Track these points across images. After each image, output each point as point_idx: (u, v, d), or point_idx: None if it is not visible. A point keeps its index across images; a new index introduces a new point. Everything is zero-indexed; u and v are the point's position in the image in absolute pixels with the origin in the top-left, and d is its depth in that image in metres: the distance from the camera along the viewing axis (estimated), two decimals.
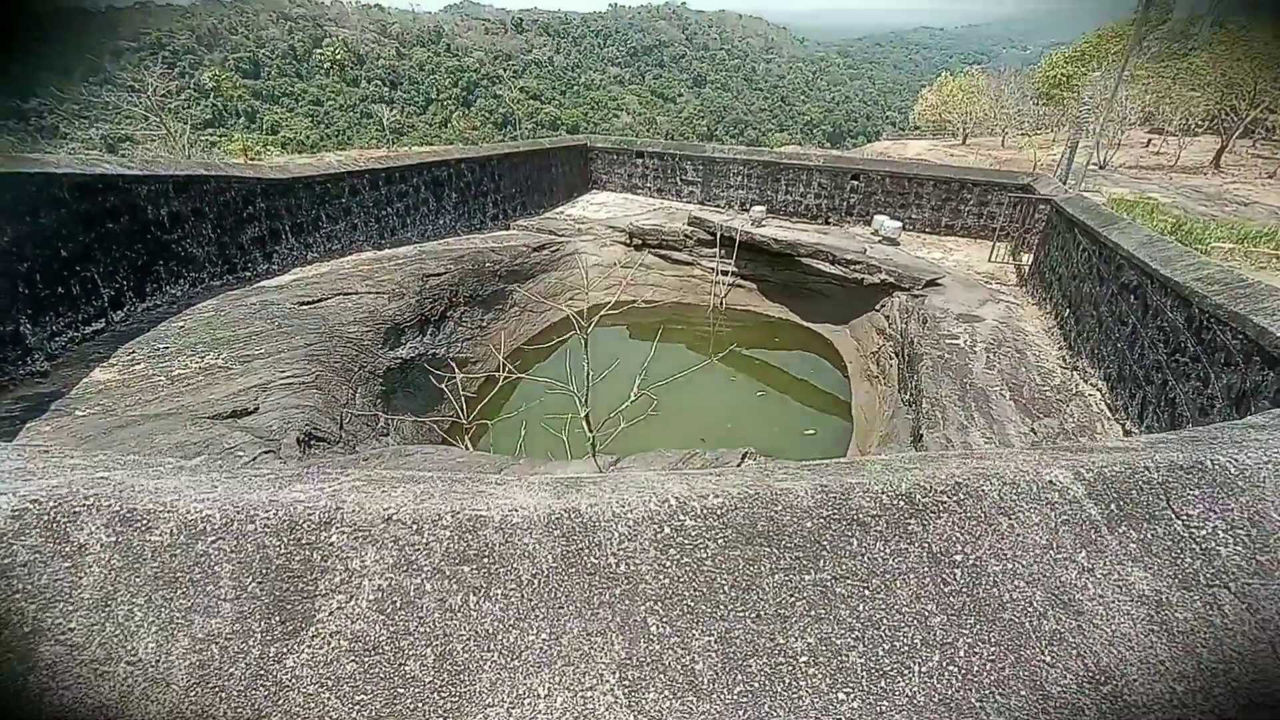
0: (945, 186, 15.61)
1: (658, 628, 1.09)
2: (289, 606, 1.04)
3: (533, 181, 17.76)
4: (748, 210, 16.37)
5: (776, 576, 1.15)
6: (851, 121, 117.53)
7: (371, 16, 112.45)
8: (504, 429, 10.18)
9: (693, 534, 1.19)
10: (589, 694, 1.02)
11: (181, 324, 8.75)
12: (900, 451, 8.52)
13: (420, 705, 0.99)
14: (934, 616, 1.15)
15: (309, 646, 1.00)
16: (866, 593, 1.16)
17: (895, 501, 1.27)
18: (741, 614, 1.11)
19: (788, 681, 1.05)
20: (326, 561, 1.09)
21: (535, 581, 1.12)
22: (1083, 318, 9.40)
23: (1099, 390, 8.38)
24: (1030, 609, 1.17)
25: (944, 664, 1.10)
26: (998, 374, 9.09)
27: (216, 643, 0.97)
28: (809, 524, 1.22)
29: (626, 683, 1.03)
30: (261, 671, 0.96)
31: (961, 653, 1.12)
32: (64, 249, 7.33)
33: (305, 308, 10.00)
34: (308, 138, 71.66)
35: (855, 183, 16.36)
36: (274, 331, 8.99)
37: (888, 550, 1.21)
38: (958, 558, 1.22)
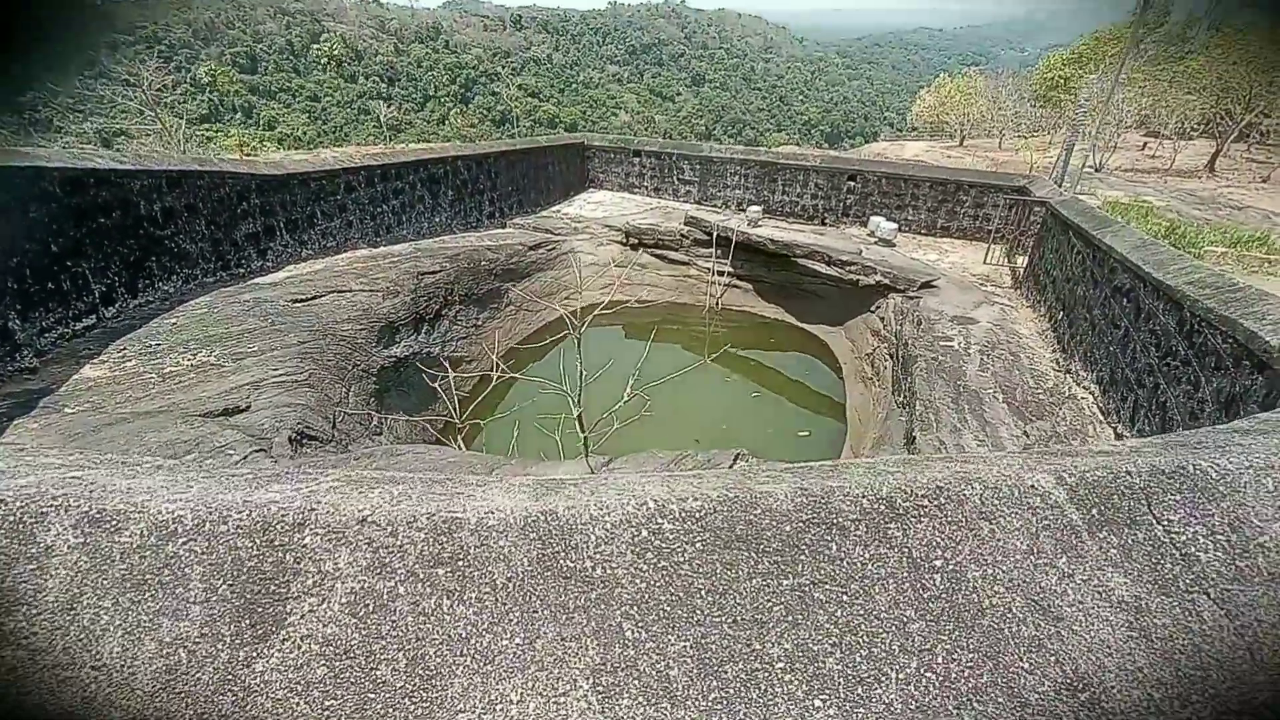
0: (941, 188, 15.64)
1: (633, 632, 1.08)
2: (260, 609, 1.02)
3: (529, 180, 17.72)
4: (744, 210, 16.38)
5: (754, 581, 1.14)
6: (849, 122, 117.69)
7: (370, 12, 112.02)
8: (498, 429, 10.16)
9: (670, 538, 1.18)
10: (562, 700, 1.01)
11: (174, 321, 8.69)
12: (893, 453, 8.54)
13: (391, 710, 0.98)
14: (913, 622, 1.14)
15: (279, 650, 0.99)
16: (845, 598, 1.15)
17: (876, 506, 1.26)
18: (718, 619, 1.10)
19: (763, 688, 1.04)
20: (299, 564, 1.07)
21: (510, 585, 1.11)
22: (1076, 320, 9.44)
23: (1091, 393, 8.41)
24: (1009, 615, 1.16)
25: (922, 671, 1.09)
26: (991, 376, 9.11)
27: (184, 646, 0.95)
28: (788, 528, 1.21)
29: (600, 689, 1.02)
30: (229, 676, 0.95)
31: (939, 659, 1.11)
32: (54, 244, 7.26)
33: (299, 305, 9.95)
34: (305, 134, 71.37)
35: (852, 184, 16.38)
36: (267, 329, 8.95)
37: (867, 555, 1.21)
38: (938, 563, 1.21)
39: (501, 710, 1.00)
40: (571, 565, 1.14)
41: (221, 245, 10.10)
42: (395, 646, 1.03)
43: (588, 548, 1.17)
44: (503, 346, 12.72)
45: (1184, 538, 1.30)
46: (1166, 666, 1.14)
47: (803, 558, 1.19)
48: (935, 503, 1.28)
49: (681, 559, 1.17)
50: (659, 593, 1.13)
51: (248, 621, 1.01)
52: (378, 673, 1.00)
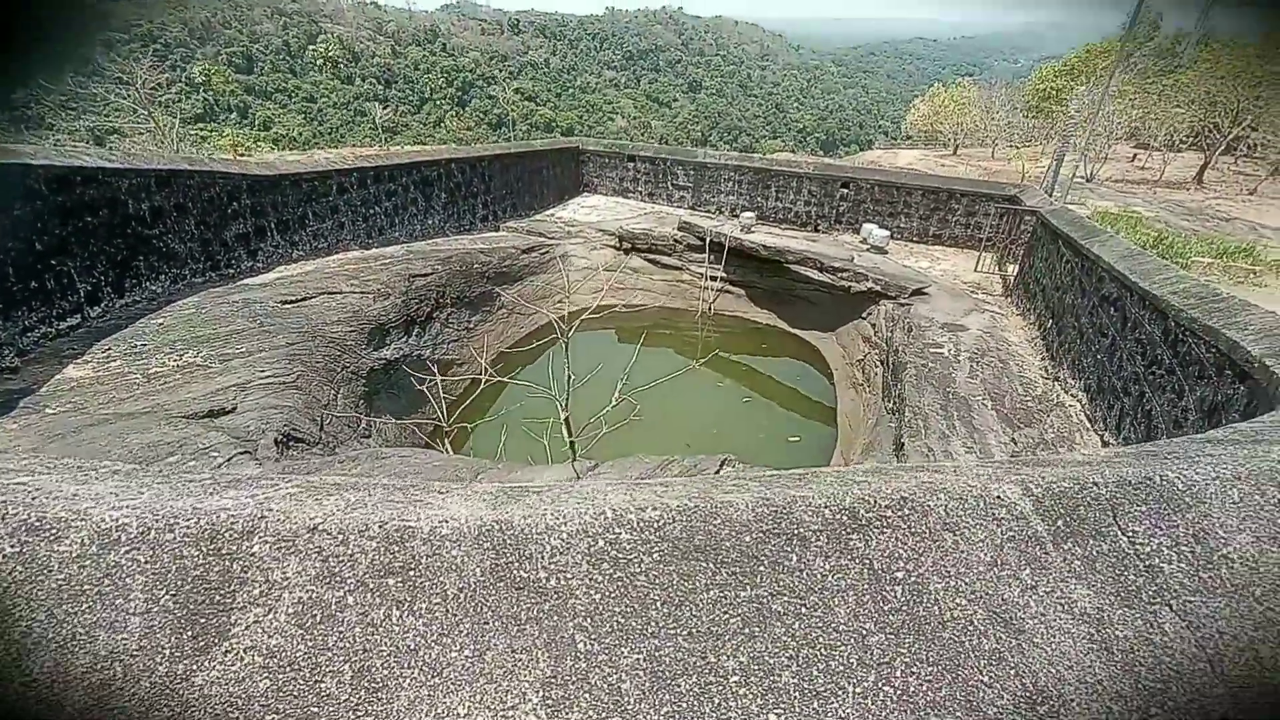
0: (934, 196, 15.74)
1: (585, 645, 1.06)
2: (203, 620, 1.00)
3: (524, 183, 17.72)
4: (737, 216, 16.43)
5: (711, 592, 1.13)
6: (845, 130, 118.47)
7: (367, 14, 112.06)
8: (487, 432, 10.12)
9: (627, 548, 1.17)
10: (510, 713, 0.99)
11: (161, 321, 8.63)
12: (882, 460, 8.56)
13: None
14: (872, 635, 1.13)
15: (220, 663, 0.97)
16: (803, 610, 1.14)
17: (838, 516, 1.25)
18: (673, 631, 1.09)
19: (717, 702, 1.03)
20: (246, 573, 1.05)
21: (461, 595, 1.09)
22: (1065, 329, 9.50)
23: (1079, 401, 8.46)
24: (970, 628, 1.15)
25: (879, 684, 1.08)
26: (980, 384, 9.16)
27: (120, 660, 0.93)
28: (748, 538, 1.20)
29: (550, 702, 1.00)
30: (167, 690, 0.93)
31: (898, 673, 1.10)
32: (39, 242, 7.20)
33: (289, 306, 9.90)
34: (300, 134, 71.20)
35: (845, 190, 16.47)
36: (255, 330, 8.90)
37: (828, 566, 1.20)
38: (899, 575, 1.20)
39: None
40: (525, 575, 1.13)
41: (211, 245, 10.04)
42: (342, 658, 1.01)
43: (542, 558, 1.15)
44: (494, 350, 12.69)
45: (1148, 549, 1.30)
46: (1127, 679, 1.13)
47: (762, 569, 1.18)
48: (899, 514, 1.28)
49: (638, 570, 1.15)
50: (613, 604, 1.11)
51: (189, 633, 0.98)
52: (323, 685, 0.98)
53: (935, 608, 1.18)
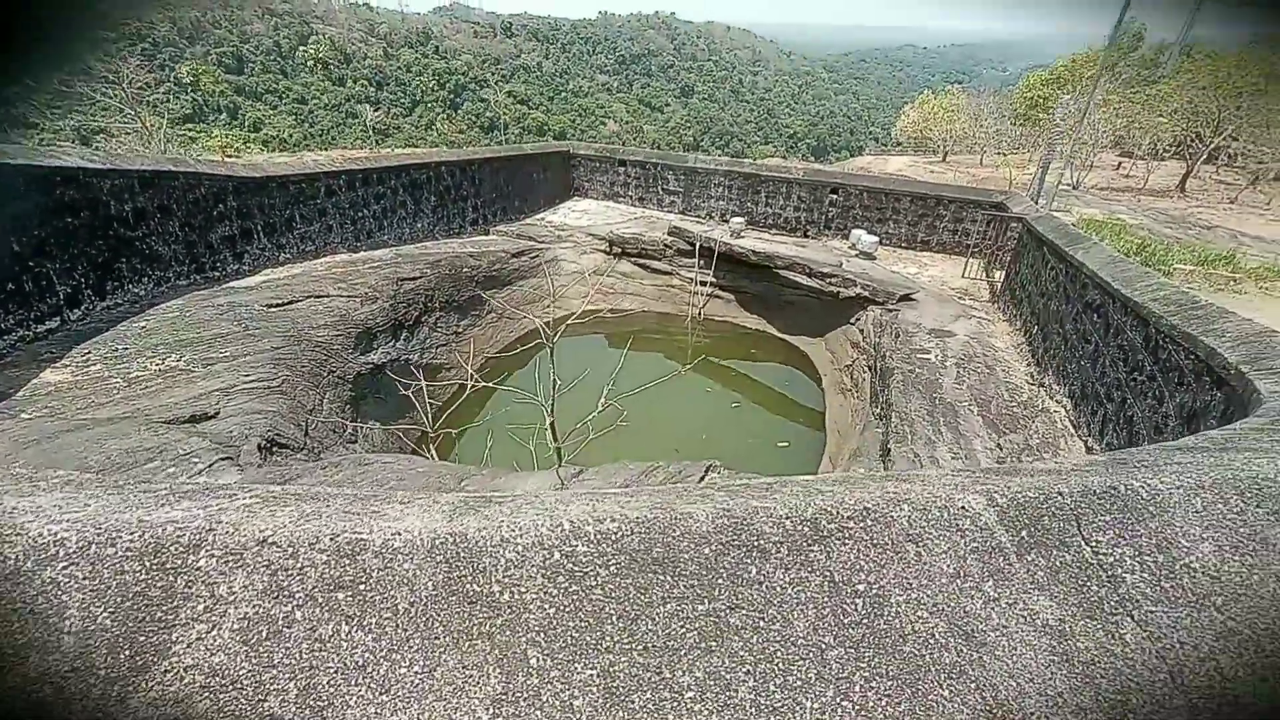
0: (922, 202, 15.88)
1: (538, 660, 1.04)
2: (142, 638, 0.97)
3: (514, 187, 17.69)
4: (727, 221, 16.49)
5: (668, 606, 1.12)
6: (836, 136, 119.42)
7: (359, 15, 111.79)
8: (474, 438, 10.06)
9: (584, 561, 1.15)
10: None
11: (143, 324, 8.51)
12: (870, 465, 8.58)
13: None
14: (831, 649, 1.12)
15: (159, 683, 0.94)
16: (761, 623, 1.13)
17: (799, 528, 1.24)
18: (628, 646, 1.07)
19: (670, 718, 1.01)
20: (191, 588, 1.03)
21: (412, 610, 1.07)
22: (1050, 335, 9.59)
23: (1064, 407, 8.53)
24: (932, 641, 1.15)
25: (838, 699, 1.07)
26: (967, 389, 9.21)
27: (50, 682, 0.90)
28: (707, 550, 1.18)
29: (500, 719, 0.98)
30: (100, 714, 0.90)
31: (857, 687, 1.09)
32: (16, 243, 7.08)
33: (275, 310, 9.81)
34: (291, 136, 70.75)
35: (834, 196, 16.57)
36: (240, 334, 8.80)
37: (787, 579, 1.18)
38: (860, 587, 1.19)
39: None
40: (478, 589, 1.11)
41: (196, 248, 9.93)
42: (287, 675, 0.98)
43: (496, 571, 1.13)
44: (482, 355, 12.64)
45: (1111, 559, 1.30)
46: (1087, 691, 1.13)
47: (720, 581, 1.16)
48: (861, 525, 1.27)
49: (594, 583, 1.14)
50: (568, 618, 1.09)
51: (127, 653, 0.96)
52: (265, 704, 0.95)
53: (896, 620, 1.17)
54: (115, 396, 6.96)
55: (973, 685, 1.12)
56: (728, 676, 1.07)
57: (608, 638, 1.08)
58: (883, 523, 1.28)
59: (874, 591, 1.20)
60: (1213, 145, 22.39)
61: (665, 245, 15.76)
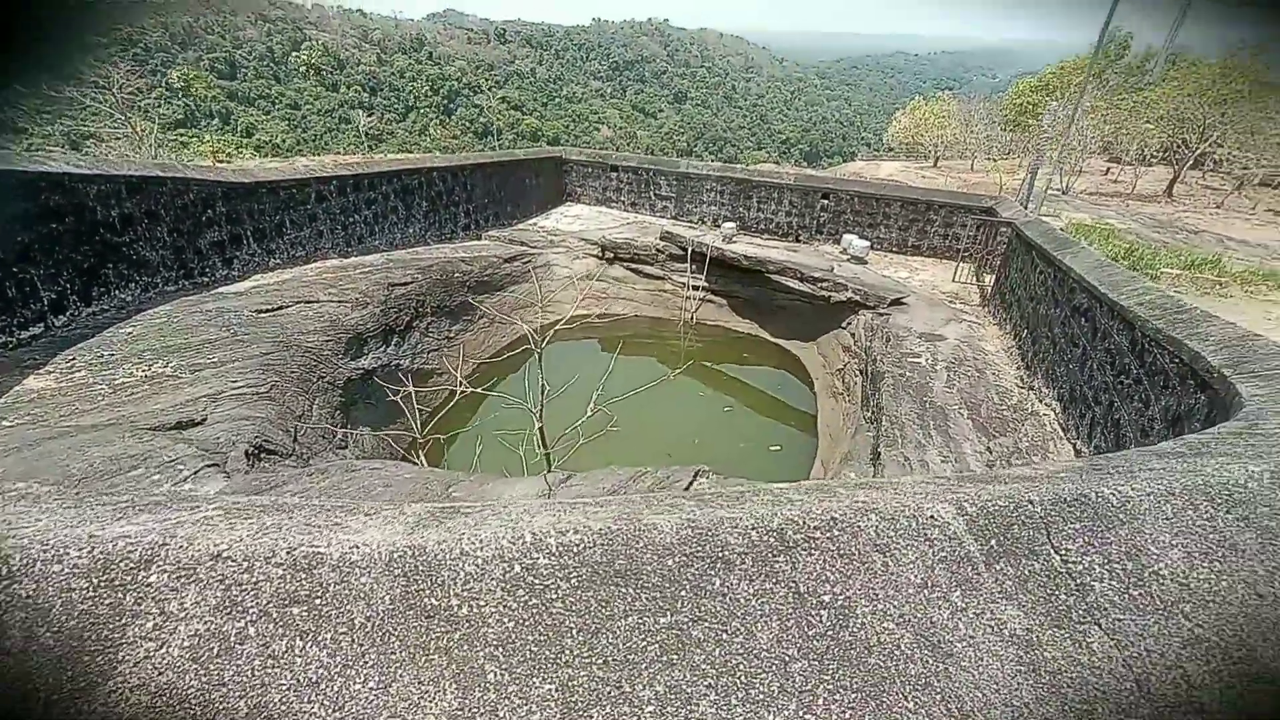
0: (912, 207, 15.97)
1: (496, 675, 1.03)
2: (86, 658, 0.95)
3: (506, 192, 17.69)
4: (719, 226, 16.53)
5: (630, 619, 1.10)
6: (828, 141, 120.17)
7: (353, 21, 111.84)
8: (465, 443, 10.00)
9: (544, 573, 1.14)
10: None
11: (130, 330, 8.44)
12: (860, 469, 8.59)
13: None
14: (795, 662, 1.11)
15: (103, 705, 0.92)
16: (724, 636, 1.11)
17: (765, 538, 1.23)
18: (588, 660, 1.06)
19: None
20: (141, 605, 1.00)
21: (369, 625, 1.06)
22: (1039, 338, 9.64)
23: (1053, 410, 8.57)
24: (897, 652, 1.14)
25: (800, 713, 1.06)
26: (957, 393, 9.24)
27: None
28: (670, 562, 1.17)
29: None
30: None
31: (820, 700, 1.08)
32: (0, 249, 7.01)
33: (264, 315, 9.74)
34: (284, 142, 70.55)
35: (825, 201, 16.65)
36: (228, 340, 8.74)
37: (751, 590, 1.17)
38: (825, 598, 1.18)
39: None
40: (435, 603, 1.09)
41: (184, 253, 9.86)
42: (237, 693, 0.96)
43: (455, 584, 1.12)
44: (474, 360, 12.59)
45: (1080, 567, 1.30)
46: (1053, 701, 1.12)
47: (683, 593, 1.15)
48: (828, 535, 1.26)
49: (554, 596, 1.12)
50: (527, 632, 1.08)
51: (70, 673, 0.93)
52: None
53: (861, 632, 1.16)
54: (100, 403, 6.89)
55: (938, 697, 1.11)
56: (689, 690, 1.06)
57: (567, 651, 1.07)
58: (849, 533, 1.28)
59: (839, 602, 1.19)
60: (1199, 151, 22.66)
61: (657, 250, 15.78)
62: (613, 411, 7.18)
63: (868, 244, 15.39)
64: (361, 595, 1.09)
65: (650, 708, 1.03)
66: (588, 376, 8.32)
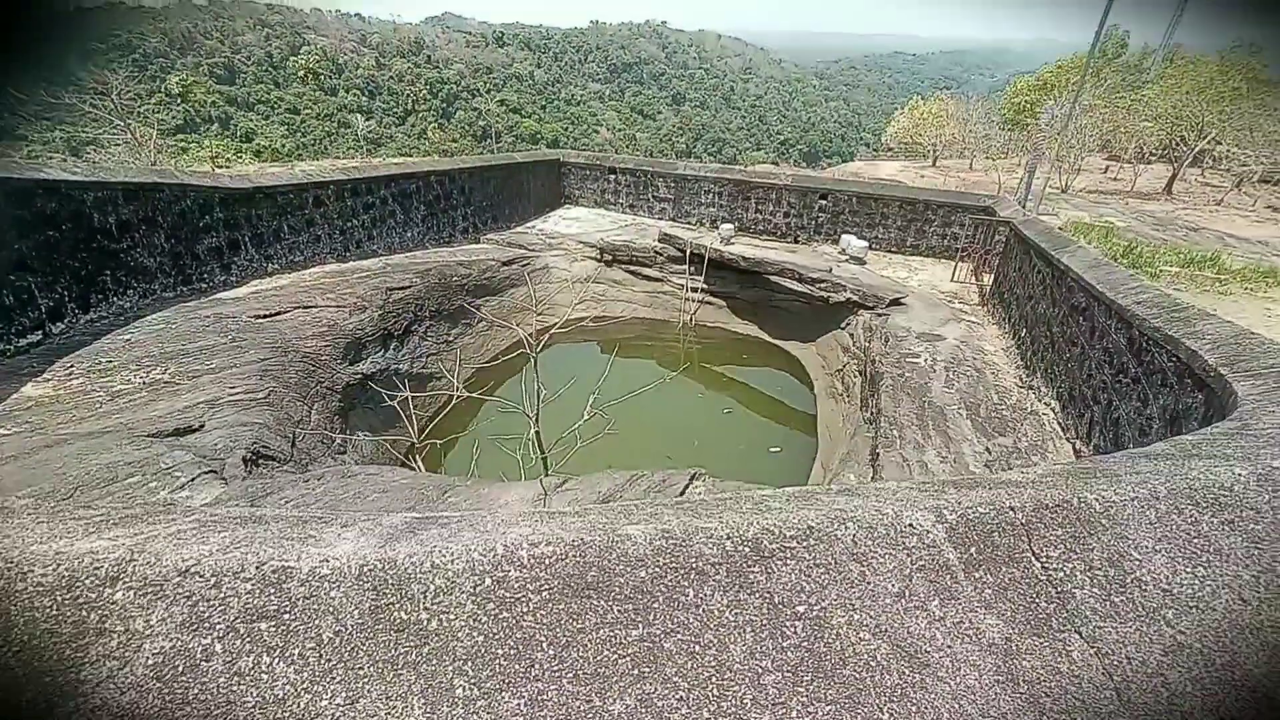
0: (910, 207, 15.96)
1: (464, 690, 1.02)
2: (47, 679, 0.94)
3: (505, 195, 17.71)
4: (717, 228, 16.54)
5: (601, 632, 1.09)
6: (827, 142, 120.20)
7: (351, 25, 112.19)
8: (463, 448, 10.00)
9: (515, 586, 1.13)
10: None
11: (128, 337, 8.46)
12: (860, 470, 8.57)
13: None
14: (768, 674, 1.10)
15: None
16: (697, 648, 1.10)
17: (740, 548, 1.22)
18: (557, 673, 1.05)
19: None
20: (105, 623, 1.00)
21: (337, 640, 1.05)
22: (1038, 338, 9.63)
23: (1052, 409, 8.55)
24: (873, 663, 1.12)
25: None
26: (956, 393, 9.22)
27: None
28: (643, 573, 1.16)
29: None
30: None
31: (794, 713, 1.07)
32: None
33: (262, 321, 9.76)
34: (283, 146, 70.70)
35: (823, 202, 16.64)
36: (227, 346, 8.75)
37: (725, 601, 1.16)
38: (800, 609, 1.17)
39: None
40: (405, 617, 1.09)
41: (182, 259, 9.88)
42: (201, 712, 0.95)
43: (425, 598, 1.11)
44: (473, 364, 12.59)
45: (1061, 574, 1.28)
46: (1031, 711, 1.11)
47: (656, 605, 1.14)
48: (804, 544, 1.25)
49: (525, 609, 1.11)
50: (496, 646, 1.07)
51: (30, 695, 0.92)
52: None
53: (837, 643, 1.15)
54: (98, 410, 6.89)
55: (914, 708, 1.10)
56: (660, 704, 1.04)
57: (537, 665, 1.06)
58: (826, 541, 1.27)
59: (815, 613, 1.18)
60: (1197, 149, 22.63)
61: (656, 252, 15.78)
62: (613, 414, 7.16)
63: (866, 244, 15.39)
64: (330, 610, 1.08)
65: None
66: (587, 379, 8.30)
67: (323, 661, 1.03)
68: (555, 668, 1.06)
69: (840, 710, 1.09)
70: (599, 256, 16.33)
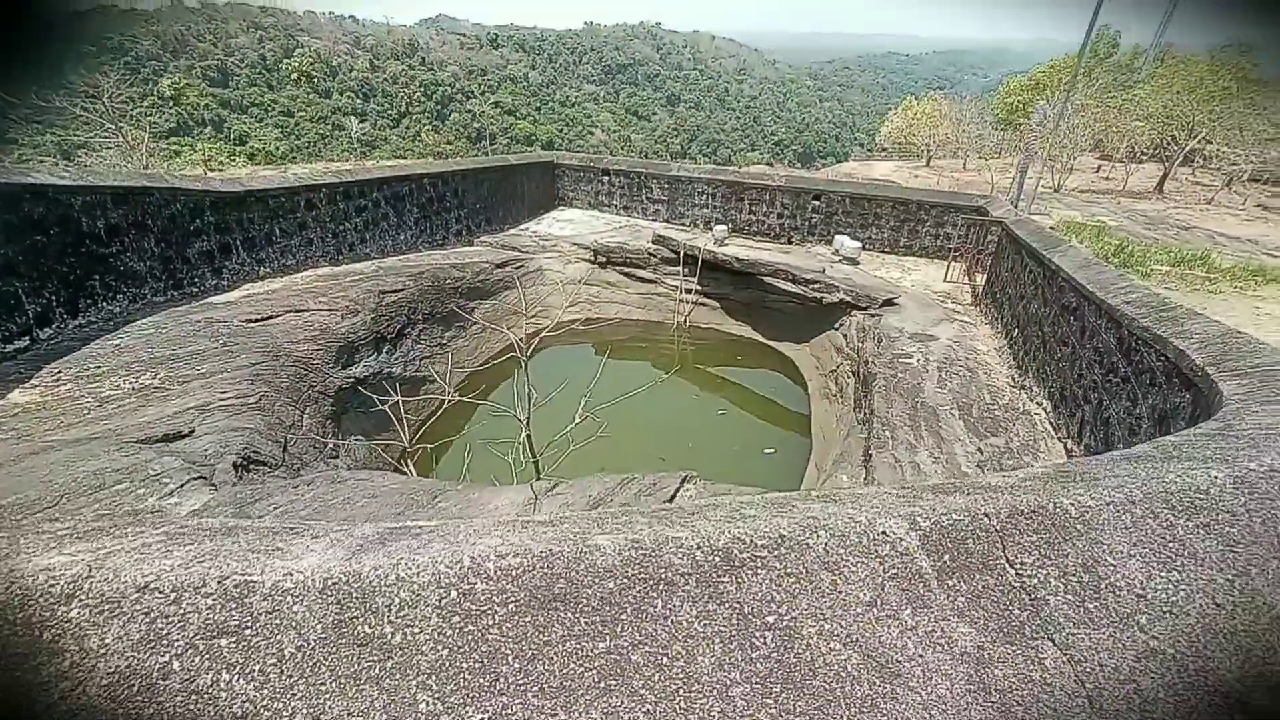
0: (903, 208, 16.00)
1: (428, 705, 1.01)
2: None
3: (498, 197, 17.68)
4: (711, 229, 16.55)
5: (568, 644, 1.08)
6: (822, 142, 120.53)
7: (345, 28, 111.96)
8: (456, 452, 9.97)
9: (482, 599, 1.12)
10: None
11: (117, 342, 8.40)
12: (853, 471, 8.58)
13: None
14: (737, 686, 1.09)
15: None
16: (665, 660, 1.10)
17: (710, 558, 1.21)
18: (523, 687, 1.04)
19: None
20: (58, 642, 0.98)
21: (299, 655, 1.03)
22: (1029, 338, 9.66)
23: (1044, 409, 8.58)
24: (844, 674, 1.12)
25: None
26: (948, 393, 9.24)
27: None
28: (611, 584, 1.15)
29: None
30: None
31: None
32: None
33: (253, 325, 9.71)
34: (277, 149, 70.44)
35: (817, 203, 16.67)
36: (218, 350, 8.70)
37: (694, 612, 1.15)
38: (770, 619, 1.16)
39: None
40: (368, 631, 1.07)
41: (173, 264, 9.83)
42: None
43: (389, 612, 1.10)
44: (466, 367, 12.56)
45: (1035, 581, 1.28)
46: None
47: (624, 617, 1.13)
48: (775, 553, 1.24)
49: (490, 622, 1.10)
50: (461, 660, 1.06)
51: None
52: None
53: (807, 653, 1.14)
54: (86, 416, 6.84)
55: (884, 719, 1.09)
56: (626, 717, 1.03)
57: (502, 679, 1.05)
58: (797, 550, 1.26)
59: (785, 623, 1.17)
60: (1188, 148, 22.77)
61: (650, 254, 15.78)
62: (607, 416, 7.15)
63: (859, 245, 15.42)
64: (293, 624, 1.06)
65: None
66: (580, 381, 8.30)
67: (284, 677, 1.01)
68: (520, 681, 1.05)
69: None
70: (593, 258, 16.32)
